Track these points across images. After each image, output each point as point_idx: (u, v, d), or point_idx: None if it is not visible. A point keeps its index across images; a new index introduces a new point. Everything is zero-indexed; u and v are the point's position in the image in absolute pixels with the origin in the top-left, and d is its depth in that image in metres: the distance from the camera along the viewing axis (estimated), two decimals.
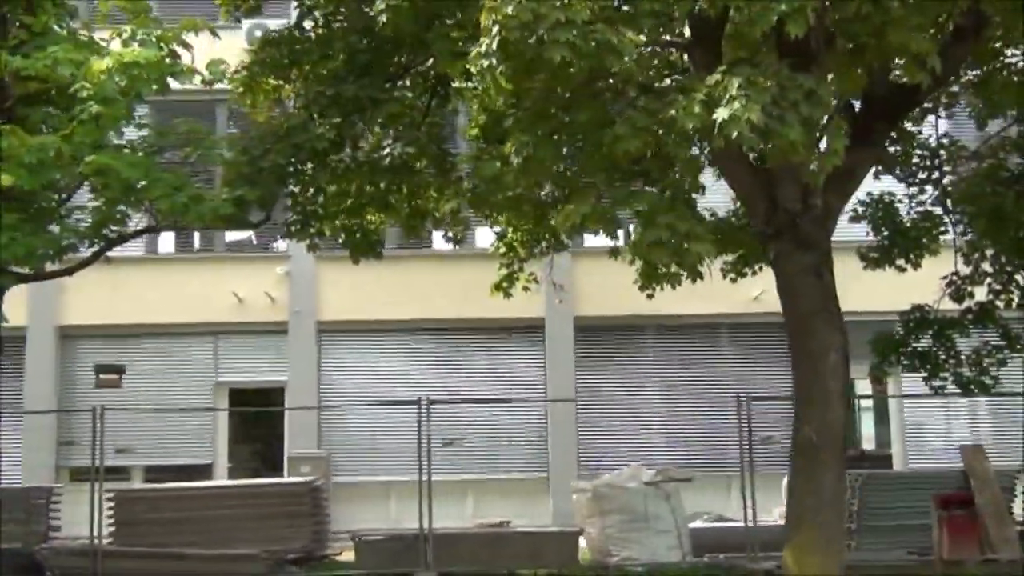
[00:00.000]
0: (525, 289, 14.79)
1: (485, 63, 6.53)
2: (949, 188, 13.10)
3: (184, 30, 10.09)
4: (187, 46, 10.25)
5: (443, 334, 19.57)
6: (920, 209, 12.88)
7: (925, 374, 12.79)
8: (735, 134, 6.46)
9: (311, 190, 10.59)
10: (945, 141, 12.51)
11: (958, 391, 12.80)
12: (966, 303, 12.91)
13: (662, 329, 19.91)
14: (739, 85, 6.55)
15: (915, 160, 12.61)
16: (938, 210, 12.77)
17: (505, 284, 14.63)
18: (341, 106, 10.13)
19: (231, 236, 19.56)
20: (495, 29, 6.45)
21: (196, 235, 19.05)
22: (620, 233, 9.00)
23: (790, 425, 8.84)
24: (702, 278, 8.18)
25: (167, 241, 19.17)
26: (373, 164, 10.24)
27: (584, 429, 19.26)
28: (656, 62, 7.93)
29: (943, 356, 12.69)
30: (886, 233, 12.81)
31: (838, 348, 8.80)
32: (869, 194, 13.12)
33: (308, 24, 11.39)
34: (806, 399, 8.83)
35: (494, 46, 6.53)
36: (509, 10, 6.34)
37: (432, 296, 19.21)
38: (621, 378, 19.64)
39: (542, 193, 9.05)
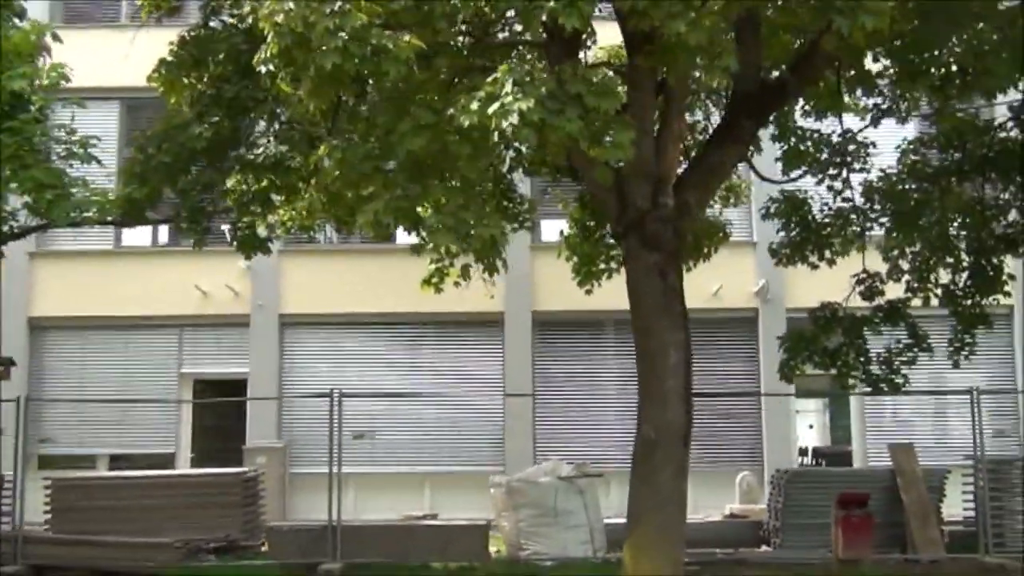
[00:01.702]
0: (456, 285, 14.92)
1: (263, 69, 6.69)
2: (870, 184, 12.99)
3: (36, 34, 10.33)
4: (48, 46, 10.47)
5: (403, 327, 19.79)
6: (833, 206, 12.79)
7: (835, 372, 12.71)
8: (510, 129, 6.52)
9: (198, 188, 10.82)
10: (849, 136, 12.38)
11: (868, 390, 12.70)
12: (876, 301, 12.79)
13: (621, 324, 19.86)
14: (514, 81, 6.63)
15: (824, 156, 12.53)
16: (848, 206, 12.66)
17: (435, 280, 14.82)
18: (222, 106, 10.34)
19: None
20: (270, 37, 6.61)
21: (164, 229, 19.45)
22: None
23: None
24: (499, 269, 8.22)
25: (134, 235, 19.52)
26: (252, 163, 10.44)
27: (541, 423, 19.37)
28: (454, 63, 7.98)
29: (853, 355, 12.58)
30: (796, 230, 12.74)
31: (679, 347, 8.83)
32: (782, 191, 13.10)
33: (214, 24, 11.62)
34: (646, 397, 8.88)
35: (273, 52, 6.69)
36: (280, 19, 6.49)
37: (393, 290, 19.37)
38: (579, 373, 19.71)
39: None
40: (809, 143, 12.27)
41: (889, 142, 13.38)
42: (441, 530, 13.42)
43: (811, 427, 24.66)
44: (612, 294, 16.87)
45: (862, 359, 12.53)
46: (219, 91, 10.27)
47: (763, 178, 11.58)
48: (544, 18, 6.67)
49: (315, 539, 12.88)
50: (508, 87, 6.64)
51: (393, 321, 19.61)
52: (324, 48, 6.47)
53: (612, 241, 14.24)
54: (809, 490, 14.15)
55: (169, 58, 10.84)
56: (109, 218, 11.45)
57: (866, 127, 12.17)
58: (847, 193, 12.68)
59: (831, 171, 12.57)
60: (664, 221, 8.95)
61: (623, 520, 13.56)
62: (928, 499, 14.04)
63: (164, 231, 19.70)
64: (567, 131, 6.65)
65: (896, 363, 12.62)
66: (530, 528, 13.25)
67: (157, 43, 11.28)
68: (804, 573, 12.36)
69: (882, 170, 12.99)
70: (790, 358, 12.64)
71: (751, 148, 11.20)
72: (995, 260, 13.11)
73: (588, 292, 14.70)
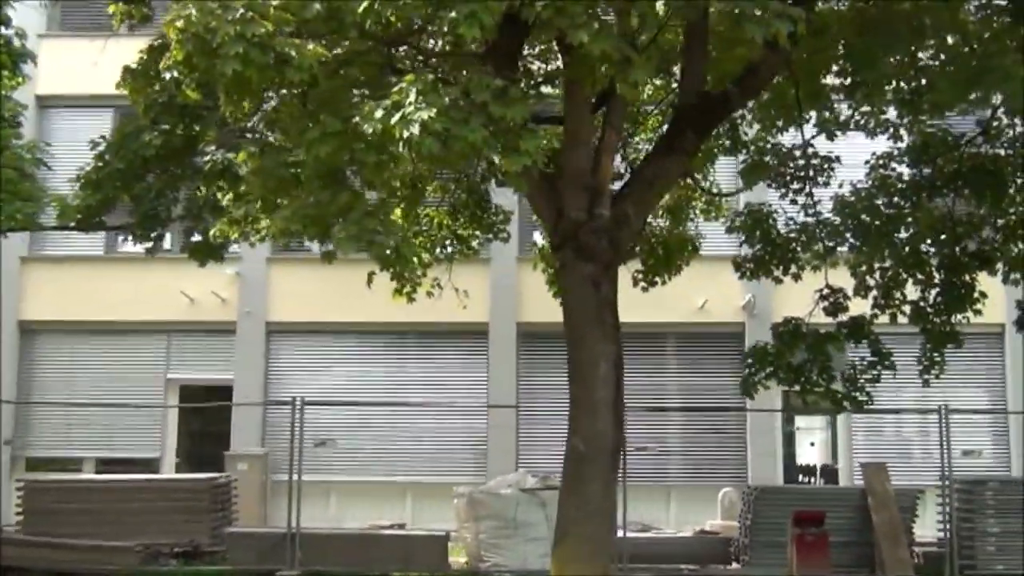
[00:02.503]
0: (429, 295, 14.95)
1: (168, 76, 6.74)
2: (842, 198, 12.84)
3: None
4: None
5: (390, 337, 19.83)
6: (799, 220, 12.67)
7: (798, 389, 12.55)
8: (412, 139, 6.51)
9: (151, 195, 10.89)
10: (812, 150, 12.26)
11: (832, 407, 12.54)
12: (840, 317, 12.63)
13: None
14: (417, 90, 6.63)
15: (788, 171, 12.42)
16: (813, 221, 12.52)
17: (407, 290, 14.83)
18: (174, 114, 10.40)
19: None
20: (174, 43, 6.65)
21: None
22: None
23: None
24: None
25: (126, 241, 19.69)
26: (200, 170, 10.50)
27: (525, 435, 19.32)
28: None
29: (816, 371, 12.42)
30: (759, 245, 12.63)
31: (609, 359, 8.77)
32: (747, 204, 13.00)
33: None
34: (576, 409, 8.82)
35: (177, 58, 6.73)
36: (179, 24, 6.53)
37: (380, 300, 19.33)
38: (564, 385, 19.53)
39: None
40: (770, 156, 12.15)
41: (860, 156, 13.24)
42: (402, 540, 13.41)
43: (812, 444, 24.44)
44: None
45: (824, 376, 12.35)
46: (171, 98, 10.31)
47: (703, 191, 11.49)
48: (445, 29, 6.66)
49: (274, 546, 12.91)
50: (412, 96, 6.64)
51: (380, 331, 19.65)
52: (225, 55, 6.49)
53: None
54: (777, 507, 14.02)
55: (134, 66, 10.93)
56: (71, 224, 11.53)
57: (812, 139, 11.98)
58: (813, 207, 12.52)
59: (795, 185, 12.43)
60: (599, 232, 8.88)
61: None
62: (899, 519, 13.88)
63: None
64: (470, 140, 6.63)
65: (860, 380, 12.44)
66: (491, 539, 13.21)
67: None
68: None
69: (852, 184, 12.85)
70: (752, 374, 12.49)
71: (708, 161, 11.13)
72: (967, 277, 12.93)
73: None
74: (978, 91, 9.51)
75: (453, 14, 6.55)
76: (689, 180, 12.12)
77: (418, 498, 19.09)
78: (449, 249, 14.85)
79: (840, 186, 12.74)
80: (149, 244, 11.27)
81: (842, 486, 17.14)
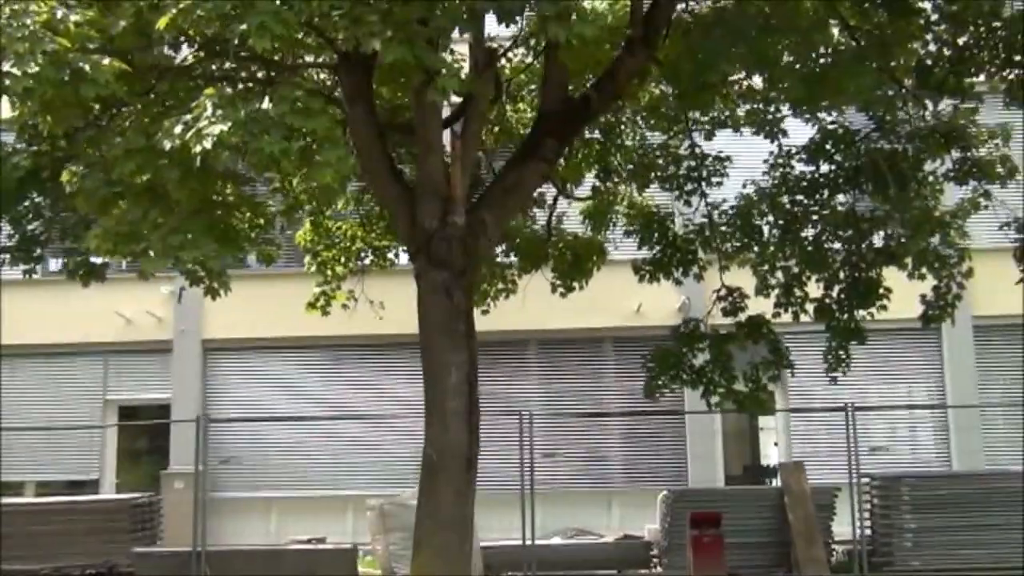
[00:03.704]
0: (344, 307, 14.94)
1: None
2: (747, 197, 12.77)
3: None
4: None
5: (327, 351, 19.77)
6: (695, 222, 12.64)
7: (701, 390, 12.49)
8: (206, 153, 6.47)
9: (28, 216, 10.82)
10: (699, 152, 12.21)
11: (734, 408, 12.48)
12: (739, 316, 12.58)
13: (545, 343, 19.85)
14: (214, 104, 6.60)
15: (681, 173, 12.38)
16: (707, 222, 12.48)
17: (320, 303, 14.82)
18: (42, 137, 10.35)
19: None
20: None
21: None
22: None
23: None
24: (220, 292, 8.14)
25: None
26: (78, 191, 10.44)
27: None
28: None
29: (718, 372, 12.36)
30: (658, 247, 12.59)
31: (461, 368, 8.73)
32: (642, 206, 12.95)
33: None
34: (429, 418, 8.78)
35: None
36: None
37: (316, 313, 19.41)
38: (503, 393, 19.56)
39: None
40: (663, 159, 12.12)
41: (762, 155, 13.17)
42: (309, 554, 13.36)
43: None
44: (537, 314, 16.98)
45: (725, 377, 12.29)
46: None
47: (564, 194, 11.45)
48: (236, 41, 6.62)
49: (180, 564, 12.85)
50: (209, 110, 6.62)
51: (315, 345, 19.58)
52: (12, 73, 6.47)
53: (502, 261, 14.23)
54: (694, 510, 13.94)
55: None
56: None
57: (693, 140, 11.95)
58: (705, 208, 12.50)
59: (688, 187, 12.39)
60: (450, 240, 8.85)
61: (508, 542, 13.55)
62: (814, 517, 13.80)
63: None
64: (267, 152, 6.59)
65: (763, 380, 12.39)
66: (401, 551, 13.14)
67: None
68: None
69: (755, 183, 12.80)
70: (654, 376, 12.44)
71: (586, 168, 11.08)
72: (872, 273, 12.87)
73: (484, 312, 14.62)
74: (825, 91, 9.46)
75: (244, 26, 6.52)
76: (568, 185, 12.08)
77: (360, 512, 18.96)
78: (366, 261, 14.86)
79: (744, 186, 12.71)
80: (29, 266, 11.18)
81: (760, 486, 17.04)
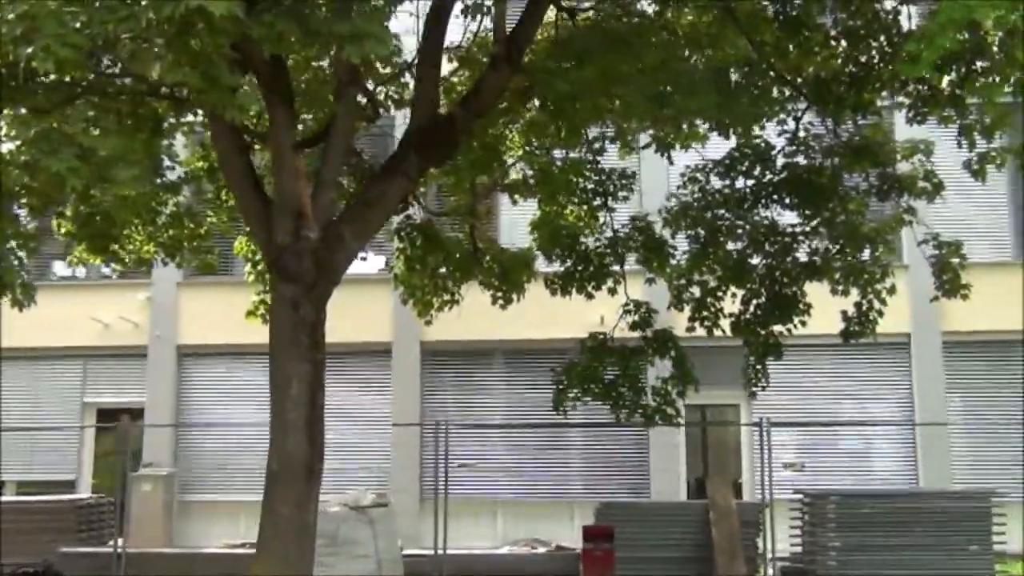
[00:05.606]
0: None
1: None
2: (669, 210, 12.74)
3: None
4: None
5: None
6: (604, 236, 12.66)
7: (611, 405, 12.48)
8: None
9: None
10: (608, 168, 12.23)
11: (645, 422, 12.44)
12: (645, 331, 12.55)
13: (510, 354, 19.93)
14: (7, 123, 6.87)
15: (590, 187, 12.41)
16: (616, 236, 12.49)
17: (260, 311, 15.07)
18: None
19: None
20: None
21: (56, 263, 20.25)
22: None
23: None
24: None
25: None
26: None
27: (428, 453, 19.38)
28: None
29: (627, 386, 12.35)
30: (569, 262, 12.62)
31: (303, 379, 8.87)
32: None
33: None
34: (272, 428, 8.93)
35: None
36: None
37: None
38: (468, 403, 19.73)
39: None
40: (571, 174, 12.16)
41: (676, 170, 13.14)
42: (228, 558, 13.59)
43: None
44: (502, 324, 17.06)
45: (633, 391, 12.27)
46: None
47: (429, 212, 11.54)
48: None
49: (103, 564, 13.19)
50: (4, 129, 6.89)
51: None
52: None
53: (444, 271, 14.34)
54: (624, 523, 13.91)
55: None
56: None
57: (591, 153, 11.96)
58: (614, 223, 12.53)
59: (596, 201, 12.41)
60: (301, 254, 9.00)
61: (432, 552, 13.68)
62: (738, 533, 13.70)
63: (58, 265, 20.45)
64: (55, 170, 6.82)
65: (673, 394, 12.34)
66: (320, 558, 13.27)
67: None
68: None
69: (677, 196, 12.77)
70: (562, 391, 12.46)
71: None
72: (793, 289, 12.75)
73: (428, 323, 14.79)
74: (668, 106, 9.45)
75: (30, 49, 6.76)
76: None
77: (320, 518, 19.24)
78: None
79: (668, 199, 12.68)
80: None
81: (686, 501, 16.91)
